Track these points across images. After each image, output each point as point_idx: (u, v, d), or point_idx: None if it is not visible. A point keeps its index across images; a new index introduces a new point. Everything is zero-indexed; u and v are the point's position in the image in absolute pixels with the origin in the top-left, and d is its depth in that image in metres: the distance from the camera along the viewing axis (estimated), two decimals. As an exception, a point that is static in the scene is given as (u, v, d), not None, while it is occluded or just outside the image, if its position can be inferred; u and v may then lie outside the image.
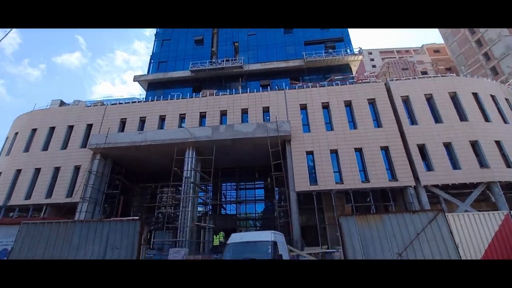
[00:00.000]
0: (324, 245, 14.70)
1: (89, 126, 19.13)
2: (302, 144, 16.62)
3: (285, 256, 9.20)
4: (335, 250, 12.60)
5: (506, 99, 18.47)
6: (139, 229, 6.51)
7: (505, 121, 17.15)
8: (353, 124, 17.38)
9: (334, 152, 16.44)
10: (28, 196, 17.03)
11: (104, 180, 17.47)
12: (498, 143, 16.03)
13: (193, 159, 16.51)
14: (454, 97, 17.47)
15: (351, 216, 7.96)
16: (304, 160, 16.21)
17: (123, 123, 19.19)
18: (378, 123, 17.22)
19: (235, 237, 8.63)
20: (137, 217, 7.20)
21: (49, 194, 16.93)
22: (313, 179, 15.78)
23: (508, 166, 15.51)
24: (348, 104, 17.98)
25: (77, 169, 17.48)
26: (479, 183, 15.17)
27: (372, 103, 17.87)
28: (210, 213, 21.50)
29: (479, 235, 7.84)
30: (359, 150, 16.43)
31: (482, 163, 15.48)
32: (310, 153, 16.50)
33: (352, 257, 7.17)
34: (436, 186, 15.37)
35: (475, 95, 17.59)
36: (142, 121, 19.21)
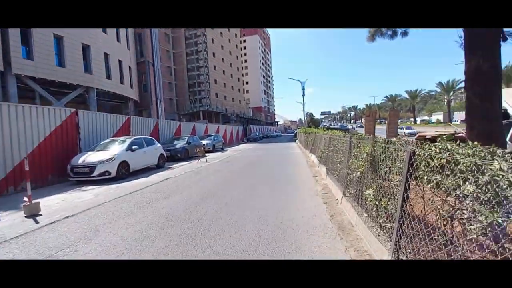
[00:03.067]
0: None
1: None
2: None
3: None
4: None
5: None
6: None
7: (118, 39, 19.57)
8: None
9: None
10: None
11: None
12: (106, 55, 17.90)
13: None
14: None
15: None
16: None
17: None
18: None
19: None
20: None
21: None
22: None
23: (108, 78, 18.09)
24: None
25: None
26: (80, 85, 16.01)
27: None
28: None
29: (37, 128, 7.81)
30: None
31: (87, 68, 16.43)
32: None
33: None
34: (33, 78, 13.64)
35: None
36: None
